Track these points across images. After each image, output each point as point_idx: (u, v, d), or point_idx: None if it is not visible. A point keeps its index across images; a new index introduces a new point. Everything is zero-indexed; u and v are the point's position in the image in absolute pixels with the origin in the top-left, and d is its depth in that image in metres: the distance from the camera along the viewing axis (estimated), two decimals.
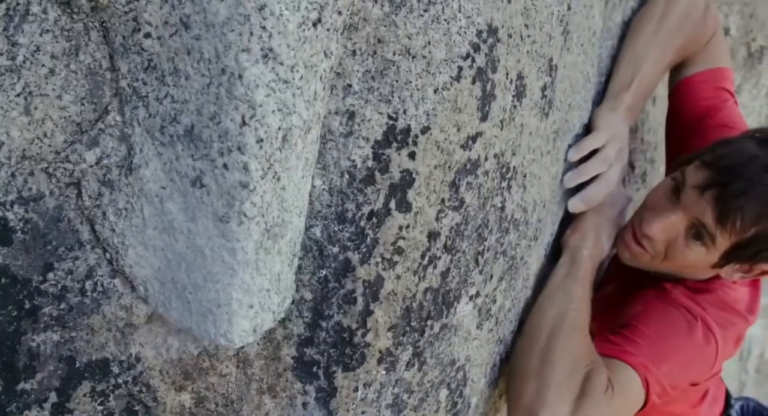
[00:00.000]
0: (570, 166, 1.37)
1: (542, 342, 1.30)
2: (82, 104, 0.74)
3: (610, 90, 1.53)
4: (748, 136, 1.43)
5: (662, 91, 1.94)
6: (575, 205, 1.41)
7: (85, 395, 0.83)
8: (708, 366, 1.43)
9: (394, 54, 0.79)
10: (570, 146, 1.35)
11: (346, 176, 0.82)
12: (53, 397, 0.81)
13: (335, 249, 0.85)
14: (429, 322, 0.98)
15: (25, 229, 0.74)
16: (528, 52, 0.99)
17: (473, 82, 0.87)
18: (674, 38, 1.59)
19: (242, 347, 0.90)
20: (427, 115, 0.83)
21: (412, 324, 0.95)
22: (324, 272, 0.87)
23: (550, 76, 1.10)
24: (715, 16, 1.70)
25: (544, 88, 1.08)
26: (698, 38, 1.64)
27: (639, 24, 1.61)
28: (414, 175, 0.85)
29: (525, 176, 1.11)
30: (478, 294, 1.08)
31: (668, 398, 1.39)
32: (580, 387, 1.25)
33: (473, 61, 0.86)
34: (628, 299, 1.52)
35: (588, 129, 1.46)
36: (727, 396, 1.80)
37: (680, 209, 1.37)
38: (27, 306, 0.76)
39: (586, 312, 1.38)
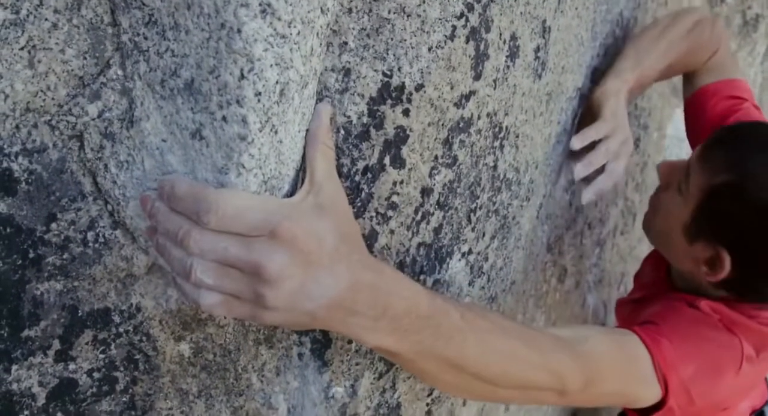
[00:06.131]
0: (565, 143, 1.40)
1: None
2: (85, 58, 0.75)
3: (615, 68, 1.58)
4: None
5: None
6: (588, 197, 1.44)
7: (87, 343, 0.85)
8: (735, 368, 1.40)
9: (389, 12, 0.81)
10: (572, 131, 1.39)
11: (342, 132, 0.83)
12: (56, 344, 0.83)
13: None
14: (422, 277, 1.00)
15: (29, 180, 0.76)
16: (521, 13, 1.01)
17: (467, 41, 0.89)
18: (677, 44, 1.67)
19: None
20: (422, 72, 0.85)
21: None
22: None
23: (544, 37, 1.11)
24: (720, 34, 1.77)
25: (537, 50, 1.10)
26: (701, 50, 1.75)
27: (642, 32, 1.72)
28: (408, 132, 0.87)
29: (517, 136, 1.13)
30: (470, 252, 1.10)
31: (693, 411, 1.35)
32: None
33: (467, 20, 0.88)
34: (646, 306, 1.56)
35: (587, 102, 1.49)
36: None
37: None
38: (31, 255, 0.78)
39: None
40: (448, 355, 0.89)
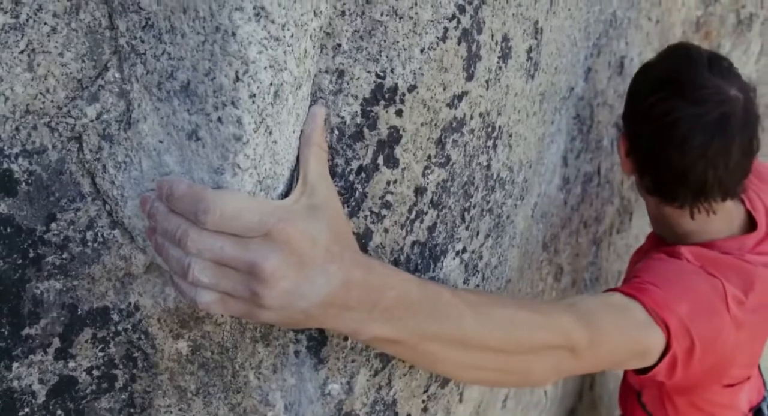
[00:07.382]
0: (557, 128, 1.41)
1: None
2: (83, 61, 0.77)
3: None
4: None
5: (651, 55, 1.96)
6: None
7: (86, 341, 0.87)
8: (724, 308, 1.40)
9: (381, 14, 0.82)
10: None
11: (336, 132, 0.85)
12: (56, 343, 0.85)
13: None
14: (416, 275, 1.02)
15: (29, 181, 0.78)
16: (513, 14, 1.02)
17: (459, 43, 0.91)
18: None
19: None
20: (414, 74, 0.87)
21: None
22: None
23: (536, 38, 1.13)
24: None
25: (529, 51, 1.11)
26: None
27: None
28: (401, 132, 0.89)
29: (511, 136, 1.14)
30: (464, 250, 1.12)
31: (693, 365, 1.35)
32: None
33: (459, 22, 0.89)
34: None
35: None
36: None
37: None
38: (31, 254, 0.80)
39: None
40: (448, 332, 0.90)
